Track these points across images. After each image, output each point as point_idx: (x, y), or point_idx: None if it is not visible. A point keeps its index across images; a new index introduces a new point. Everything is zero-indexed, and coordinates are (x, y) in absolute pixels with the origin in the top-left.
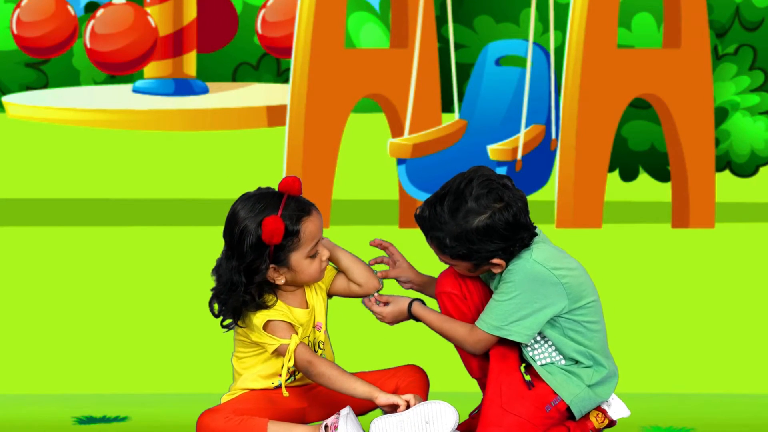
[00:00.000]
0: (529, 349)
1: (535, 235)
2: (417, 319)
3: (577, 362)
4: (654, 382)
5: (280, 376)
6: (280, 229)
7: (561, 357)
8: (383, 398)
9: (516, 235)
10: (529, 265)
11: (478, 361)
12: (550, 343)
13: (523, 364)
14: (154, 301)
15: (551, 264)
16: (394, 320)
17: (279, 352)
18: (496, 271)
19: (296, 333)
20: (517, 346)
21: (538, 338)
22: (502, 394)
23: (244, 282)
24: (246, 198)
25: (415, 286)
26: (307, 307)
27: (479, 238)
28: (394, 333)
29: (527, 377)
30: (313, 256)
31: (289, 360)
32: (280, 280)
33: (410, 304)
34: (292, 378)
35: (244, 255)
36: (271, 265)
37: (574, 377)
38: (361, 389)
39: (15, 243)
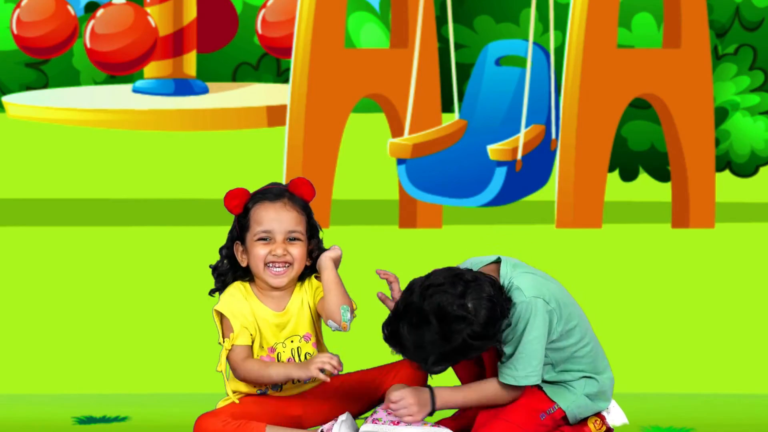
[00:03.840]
0: None
1: (512, 304)
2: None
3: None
4: (654, 382)
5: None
6: (236, 199)
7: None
8: (300, 373)
9: (495, 327)
10: (526, 305)
11: (467, 372)
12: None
13: None
14: (154, 301)
15: (543, 293)
16: (423, 414)
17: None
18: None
19: (228, 337)
20: None
21: None
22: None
23: (223, 252)
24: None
25: None
26: (282, 311)
27: (462, 354)
28: None
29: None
30: (263, 241)
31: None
32: (243, 262)
33: (432, 399)
34: (280, 387)
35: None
36: (237, 242)
37: (569, 387)
38: (278, 372)
39: (15, 243)
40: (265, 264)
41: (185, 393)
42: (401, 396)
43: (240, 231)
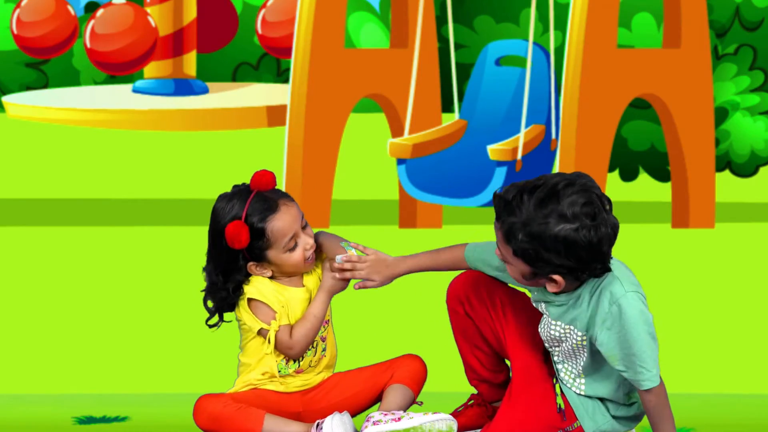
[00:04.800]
0: (565, 378)
1: (609, 270)
2: None
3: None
4: None
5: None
6: (242, 234)
7: (585, 386)
8: (332, 289)
9: (592, 261)
10: (630, 298)
11: (478, 371)
12: (580, 373)
13: (558, 384)
14: (154, 301)
15: (639, 288)
16: None
17: (261, 334)
18: (551, 289)
19: (275, 318)
20: (543, 362)
21: (574, 367)
22: (517, 408)
23: (221, 281)
24: (221, 198)
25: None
26: (303, 287)
27: (554, 246)
28: (396, 327)
29: (560, 400)
30: (292, 248)
31: (270, 345)
32: (267, 274)
33: None
34: (297, 364)
35: (220, 257)
36: (251, 263)
37: (602, 406)
38: (318, 308)
39: (15, 243)
40: (305, 260)
41: (185, 393)
42: None
43: (257, 253)
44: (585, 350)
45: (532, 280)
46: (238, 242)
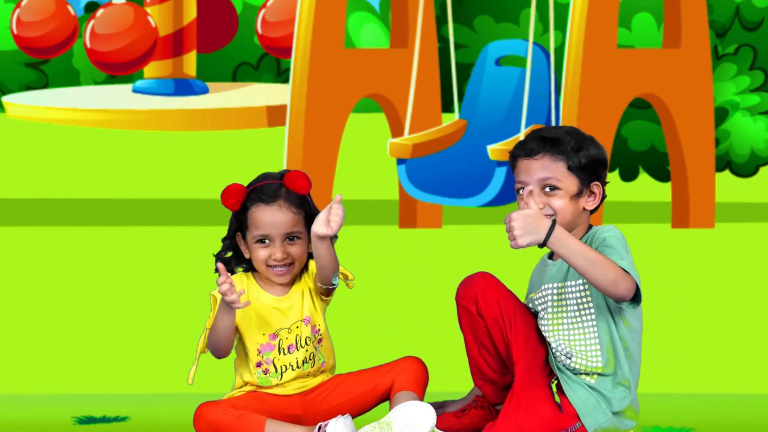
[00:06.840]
0: (565, 345)
1: (604, 197)
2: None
3: (611, 373)
4: (654, 382)
5: (258, 365)
6: (233, 197)
7: (599, 360)
8: (223, 306)
9: (604, 176)
10: (615, 231)
11: (484, 371)
12: (594, 341)
13: (555, 382)
14: (154, 301)
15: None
16: (529, 240)
17: None
18: (590, 205)
19: (211, 314)
20: (545, 368)
21: (583, 336)
22: (520, 409)
23: (226, 237)
24: (268, 173)
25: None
26: (284, 296)
27: (593, 148)
28: (395, 329)
29: (557, 399)
30: (262, 243)
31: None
32: (246, 254)
33: (551, 229)
34: (279, 377)
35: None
36: (238, 233)
37: (603, 403)
38: (210, 322)
39: (15, 243)
40: (267, 265)
41: (185, 393)
42: (512, 218)
43: (239, 226)
44: (590, 300)
45: (577, 199)
46: (225, 201)
